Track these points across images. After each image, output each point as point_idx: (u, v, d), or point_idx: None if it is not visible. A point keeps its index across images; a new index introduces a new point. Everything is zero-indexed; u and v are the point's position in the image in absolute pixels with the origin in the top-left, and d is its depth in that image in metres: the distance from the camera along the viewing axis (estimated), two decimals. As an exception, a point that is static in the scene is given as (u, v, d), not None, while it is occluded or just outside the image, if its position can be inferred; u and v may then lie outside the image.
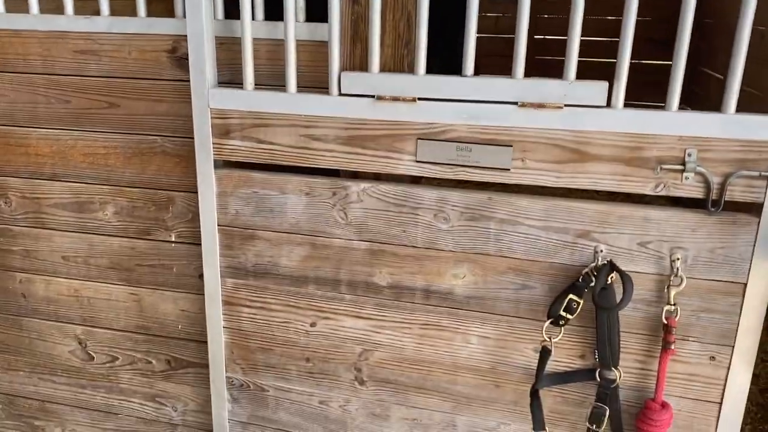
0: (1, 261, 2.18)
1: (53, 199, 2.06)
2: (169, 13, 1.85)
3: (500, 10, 5.11)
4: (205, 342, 2.01)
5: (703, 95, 3.99)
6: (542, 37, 4.65)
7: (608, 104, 1.50)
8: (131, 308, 2.13)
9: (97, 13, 1.86)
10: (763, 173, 1.44)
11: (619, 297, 1.56)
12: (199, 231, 1.89)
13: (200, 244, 1.91)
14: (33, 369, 2.31)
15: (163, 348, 2.14)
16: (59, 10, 1.90)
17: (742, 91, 1.46)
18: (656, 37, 4.45)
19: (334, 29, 1.61)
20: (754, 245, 1.50)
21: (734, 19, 3.62)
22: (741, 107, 1.46)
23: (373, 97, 1.63)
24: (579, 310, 1.59)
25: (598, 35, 4.40)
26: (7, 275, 2.20)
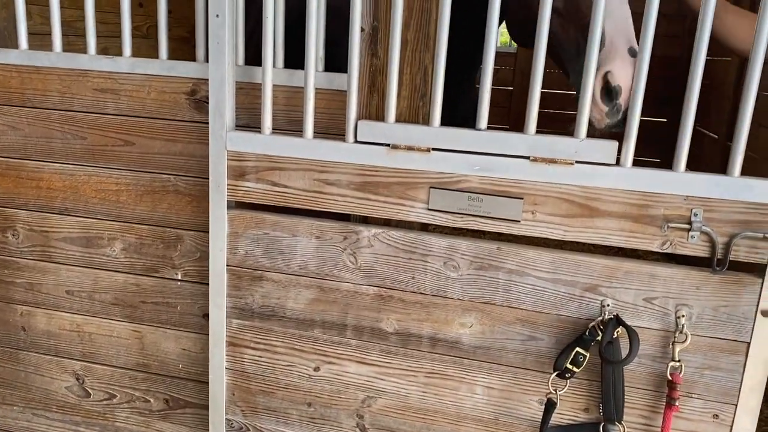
0: (3, 293, 2.18)
1: (62, 233, 2.07)
2: (186, 55, 1.90)
3: (499, 62, 5.26)
4: (206, 382, 2.00)
5: (696, 153, 4.09)
6: (544, 90, 4.79)
7: (617, 162, 1.55)
8: (132, 345, 2.12)
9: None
10: (767, 235, 1.48)
11: (624, 352, 1.58)
12: (206, 270, 1.91)
13: (206, 284, 1.92)
14: (27, 404, 2.27)
15: (161, 387, 2.12)
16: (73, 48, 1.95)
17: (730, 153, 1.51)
18: (649, 94, 4.59)
19: (353, 80, 1.66)
20: (758, 305, 1.53)
21: (726, 79, 3.72)
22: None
23: (388, 145, 1.67)
24: (585, 363, 1.61)
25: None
26: (9, 308, 2.19)
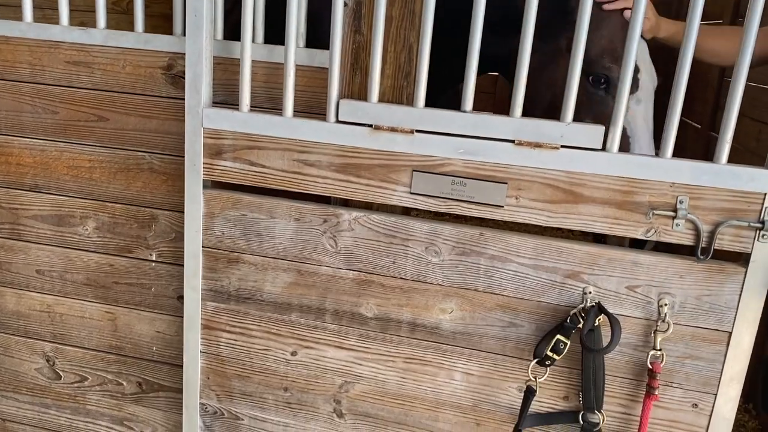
0: (-30, 271, 2.11)
1: (32, 211, 2.00)
2: (167, 32, 1.83)
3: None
4: (180, 366, 1.95)
5: (679, 142, 4.08)
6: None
7: (603, 148, 1.52)
8: (105, 327, 2.06)
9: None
10: (752, 224, 1.47)
11: (606, 340, 1.56)
12: (182, 251, 1.85)
13: (181, 265, 1.87)
14: (-5, 386, 2.21)
15: (134, 370, 2.08)
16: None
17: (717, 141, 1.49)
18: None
19: (335, 57, 1.61)
20: (740, 295, 1.52)
21: (710, 68, 3.68)
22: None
23: (370, 126, 1.63)
24: (566, 350, 1.59)
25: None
26: (-24, 287, 2.12)
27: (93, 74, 1.86)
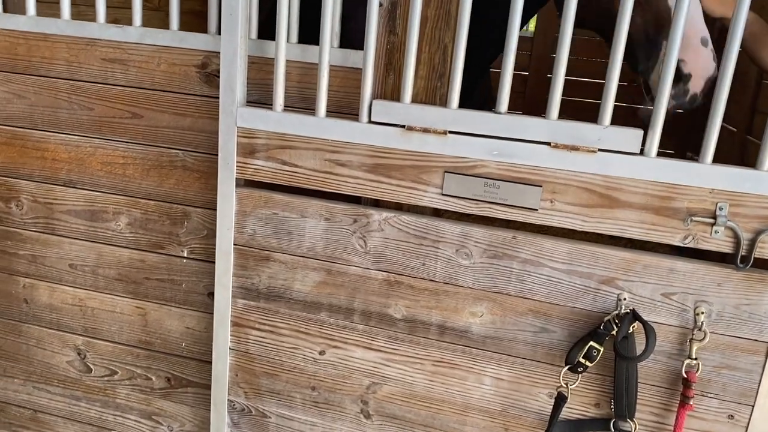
0: (6, 264, 2.14)
1: (66, 206, 2.03)
2: (198, 29, 1.84)
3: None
4: (209, 362, 1.97)
5: (717, 146, 4.00)
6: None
7: (641, 152, 1.49)
8: (135, 322, 2.08)
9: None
10: (795, 233, 1.43)
11: (640, 347, 1.53)
12: (213, 248, 1.86)
13: (212, 262, 1.88)
14: (28, 377, 2.25)
15: (164, 365, 2.10)
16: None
17: (755, 144, 1.45)
18: (670, 85, 4.49)
19: (369, 57, 1.60)
20: (781, 305, 1.48)
21: (747, 69, 3.61)
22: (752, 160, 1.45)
23: (402, 127, 1.62)
24: (599, 357, 1.56)
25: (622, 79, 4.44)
26: (12, 279, 2.16)
27: (128, 71, 1.88)
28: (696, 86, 1.75)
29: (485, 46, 2.34)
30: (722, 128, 4.04)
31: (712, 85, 1.70)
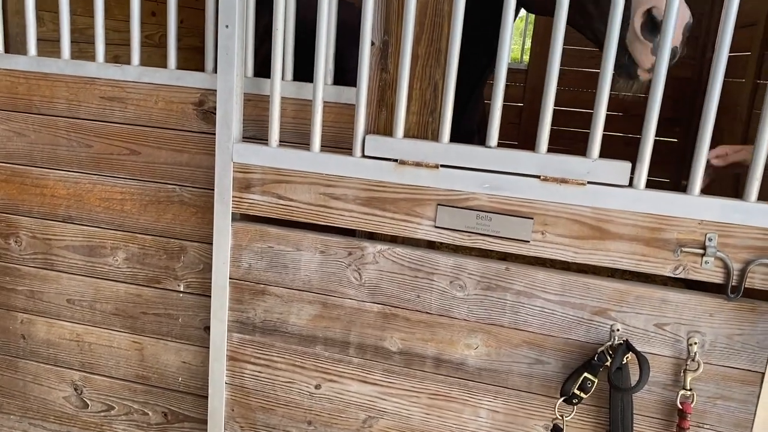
0: (4, 300, 2.15)
1: (65, 241, 2.05)
2: (197, 64, 1.89)
3: (509, 78, 5.24)
4: (205, 397, 1.96)
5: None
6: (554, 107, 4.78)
7: (630, 184, 1.52)
8: (132, 357, 2.09)
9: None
10: (784, 262, 1.44)
11: (634, 378, 1.53)
12: (209, 282, 1.88)
13: (209, 296, 1.89)
14: (25, 413, 2.24)
15: (160, 400, 2.09)
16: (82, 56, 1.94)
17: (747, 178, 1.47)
18: (663, 115, 4.57)
19: (362, 94, 1.64)
20: (773, 334, 1.49)
21: (739, 100, 3.65)
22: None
23: (395, 161, 1.64)
24: (593, 389, 1.56)
25: (614, 110, 4.51)
26: (9, 315, 2.16)
27: (126, 109, 1.92)
28: (676, 40, 1.70)
29: (477, 77, 2.39)
30: (716, 157, 4.02)
31: (689, 33, 1.69)
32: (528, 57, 5.50)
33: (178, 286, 1.99)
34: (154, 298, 2.02)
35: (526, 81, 5.28)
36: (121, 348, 2.09)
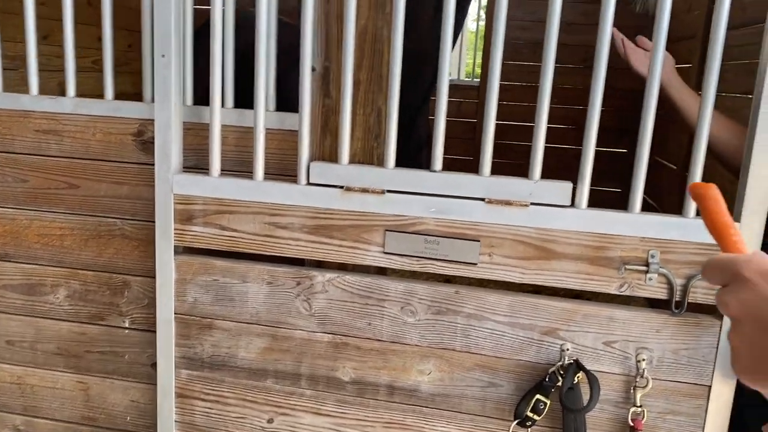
0: (-62, 344, 2.05)
1: (2, 281, 1.96)
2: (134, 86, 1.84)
3: (462, 95, 5.30)
4: (155, 436, 1.90)
5: (656, 182, 4.14)
6: (500, 122, 4.84)
7: (572, 203, 1.53)
8: (77, 397, 2.00)
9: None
10: (723, 276, 1.46)
11: (586, 397, 1.54)
12: (155, 317, 1.82)
13: (155, 332, 1.83)
14: (-37, 463, 2.13)
15: (108, 441, 2.01)
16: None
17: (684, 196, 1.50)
18: (609, 126, 4.67)
19: (304, 121, 1.62)
20: (717, 347, 1.51)
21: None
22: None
23: (341, 187, 1.62)
24: (546, 410, 1.56)
25: (557, 122, 4.59)
26: (-56, 360, 2.06)
27: (63, 142, 1.86)
28: None
29: (423, 95, 2.40)
30: (663, 166, 4.17)
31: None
32: (480, 72, 5.57)
33: (123, 322, 1.92)
34: (98, 335, 1.95)
35: (479, 97, 5.35)
36: (66, 389, 2.01)
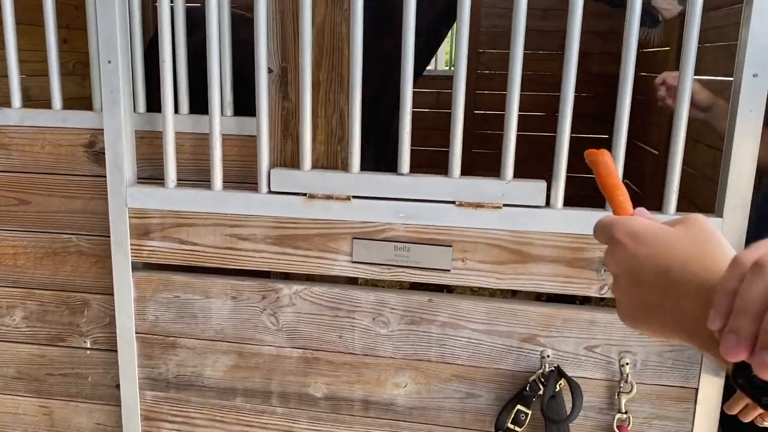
0: None
1: (-47, 305, 1.86)
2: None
3: (441, 86, 5.20)
4: (123, 460, 1.81)
5: (639, 169, 4.08)
6: (483, 112, 4.75)
7: (548, 203, 1.45)
8: (41, 422, 1.91)
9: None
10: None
11: (569, 406, 1.47)
12: (116, 337, 1.73)
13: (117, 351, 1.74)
14: (-76, 496, 2.03)
15: (75, 466, 1.92)
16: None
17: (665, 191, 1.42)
18: (592, 112, 4.59)
19: (262, 125, 1.53)
20: (704, 348, 1.44)
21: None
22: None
23: (304, 195, 1.54)
24: (528, 420, 1.49)
25: (536, 110, 4.51)
26: None
27: (11, 156, 1.75)
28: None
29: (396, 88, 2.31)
30: (645, 151, 4.10)
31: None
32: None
33: (84, 342, 1.83)
34: (59, 357, 1.85)
35: (458, 86, 5.25)
36: (28, 414, 1.91)
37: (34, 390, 1.89)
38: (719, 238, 0.58)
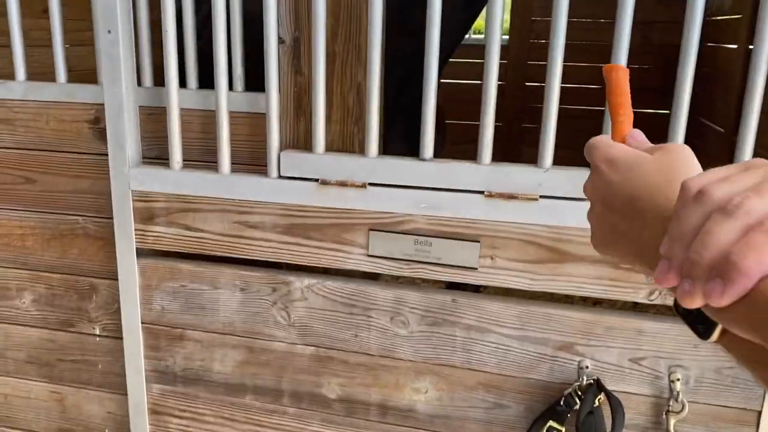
0: None
1: (-37, 285, 1.81)
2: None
3: (479, 54, 4.95)
4: (134, 451, 1.74)
5: (703, 148, 3.78)
6: (536, 84, 4.47)
7: (591, 196, 1.26)
8: (53, 408, 1.85)
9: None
10: None
11: (608, 423, 1.30)
12: (127, 324, 1.64)
13: (127, 339, 1.65)
14: (-59, 475, 2.02)
15: (87, 454, 1.86)
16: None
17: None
18: (652, 85, 4.27)
19: (272, 102, 1.38)
20: (771, 367, 1.24)
21: (732, 68, 3.36)
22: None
23: (317, 180, 1.39)
24: (561, 438, 1.33)
25: (593, 82, 4.22)
26: None
27: (16, 132, 1.66)
28: None
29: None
30: (710, 129, 3.79)
31: None
32: (510, 28, 5.20)
33: (94, 329, 1.75)
34: (69, 342, 1.78)
35: (508, 57, 4.99)
36: (40, 399, 1.86)
37: (45, 375, 1.83)
38: (694, 167, 0.57)
